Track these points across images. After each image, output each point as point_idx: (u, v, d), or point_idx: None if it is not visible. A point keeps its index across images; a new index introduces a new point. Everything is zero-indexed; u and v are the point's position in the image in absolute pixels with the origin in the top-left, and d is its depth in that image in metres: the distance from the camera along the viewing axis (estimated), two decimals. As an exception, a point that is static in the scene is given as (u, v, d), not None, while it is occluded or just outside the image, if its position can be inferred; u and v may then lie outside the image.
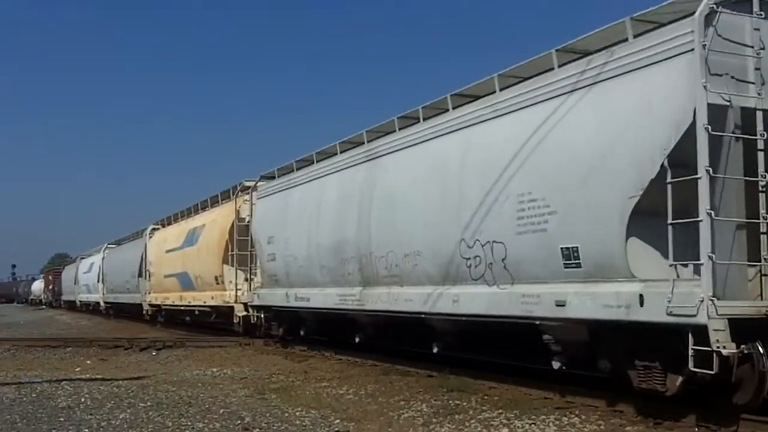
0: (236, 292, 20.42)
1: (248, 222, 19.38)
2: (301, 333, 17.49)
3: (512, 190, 9.41)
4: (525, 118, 9.46)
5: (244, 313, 19.98)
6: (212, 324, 24.39)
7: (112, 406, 10.06)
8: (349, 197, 13.82)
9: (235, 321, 20.64)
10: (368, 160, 13.44)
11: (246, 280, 19.74)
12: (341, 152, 14.78)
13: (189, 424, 8.70)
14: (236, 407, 9.80)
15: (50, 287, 72.03)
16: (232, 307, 20.81)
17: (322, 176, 15.37)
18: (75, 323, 37.92)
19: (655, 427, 7.98)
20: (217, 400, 10.46)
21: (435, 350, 12.01)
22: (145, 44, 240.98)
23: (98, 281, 43.10)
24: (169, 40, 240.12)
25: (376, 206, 12.82)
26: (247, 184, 20.10)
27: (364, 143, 13.85)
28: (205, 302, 23.40)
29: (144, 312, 31.89)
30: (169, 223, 30.11)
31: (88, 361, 16.39)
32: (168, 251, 27.59)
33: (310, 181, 15.87)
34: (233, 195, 21.59)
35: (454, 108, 11.28)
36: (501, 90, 10.24)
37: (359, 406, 9.83)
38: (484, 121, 10.34)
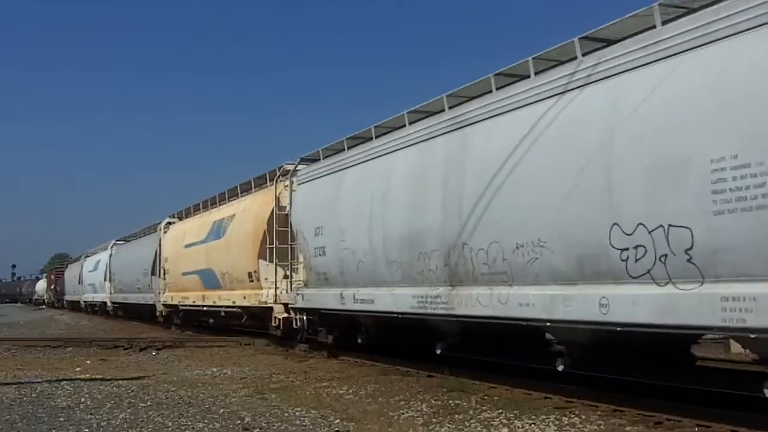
0: (276, 291, 17.57)
1: (289, 211, 17.07)
2: (359, 341, 14.70)
3: (701, 153, 7.13)
4: (719, 55, 7.13)
5: (285, 315, 17.15)
6: (241, 327, 22.28)
7: (112, 406, 10.14)
8: (427, 177, 11.39)
9: (273, 324, 17.92)
10: (454, 130, 11.00)
11: (285, 277, 17.20)
12: (411, 123, 12.33)
13: (189, 424, 8.76)
14: (236, 407, 9.85)
15: (52, 287, 70.12)
16: (269, 309, 18.05)
17: (385, 153, 12.86)
18: (75, 323, 38.05)
19: (655, 427, 7.99)
20: (217, 400, 10.52)
21: (560, 368, 9.54)
22: (146, 44, 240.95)
23: (105, 280, 40.78)
24: (169, 40, 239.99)
25: (471, 186, 10.31)
26: (289, 167, 17.51)
27: (444, 110, 11.52)
28: (234, 302, 20.56)
29: (157, 313, 29.37)
30: (188, 216, 27.22)
31: (88, 361, 16.51)
32: (188, 246, 24.75)
33: (369, 160, 13.38)
34: (272, 180, 18.82)
35: (587, 54, 8.82)
36: (665, 24, 7.87)
37: (359, 406, 9.90)
38: (651, 63, 7.81)
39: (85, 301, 48.54)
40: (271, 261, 17.81)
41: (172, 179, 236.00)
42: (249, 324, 20.97)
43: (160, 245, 28.74)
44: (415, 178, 11.77)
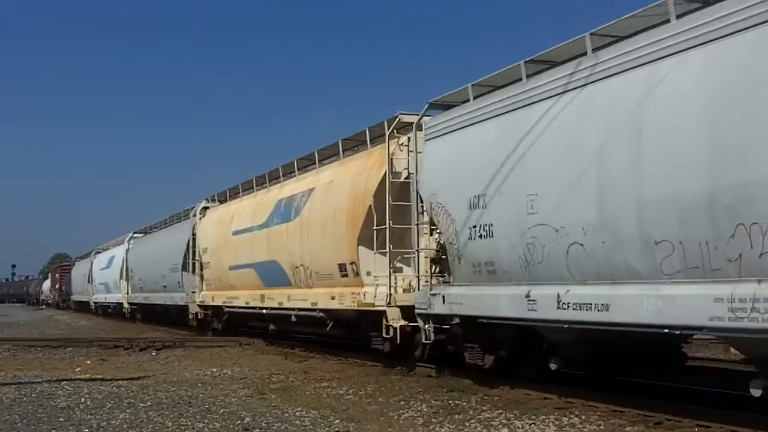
0: (390, 289, 12.60)
1: (407, 178, 12.78)
2: (552, 366, 9.96)
3: None
4: None
5: (402, 322, 12.24)
6: (326, 338, 17.22)
7: (111, 406, 10.15)
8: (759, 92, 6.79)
9: (385, 335, 12.67)
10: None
11: (394, 270, 12.81)
12: (679, 17, 7.79)
13: (189, 424, 8.76)
14: (236, 407, 9.85)
15: (57, 286, 65.73)
16: (377, 314, 12.93)
17: (633, 67, 8.14)
18: (75, 323, 37.99)
19: (655, 427, 8.01)
20: (217, 400, 10.52)
21: None
22: (146, 44, 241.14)
23: (121, 278, 36.02)
24: (168, 40, 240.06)
25: None
26: (408, 117, 12.88)
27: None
28: (315, 304, 15.50)
29: (190, 316, 24.51)
30: (234, 197, 22.27)
31: (88, 361, 16.51)
32: (238, 233, 19.90)
33: (591, 83, 8.68)
34: (375, 140, 14.26)
35: None
36: None
37: (359, 406, 9.89)
38: None
39: (95, 302, 44.15)
40: (381, 249, 12.87)
41: (173, 179, 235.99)
42: (336, 333, 15.98)
43: (193, 235, 24.16)
44: (724, 96, 7.08)
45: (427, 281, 11.75)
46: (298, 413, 9.34)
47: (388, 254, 12.64)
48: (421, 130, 12.25)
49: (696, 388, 9.42)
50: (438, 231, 11.51)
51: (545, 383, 10.29)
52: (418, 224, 12.13)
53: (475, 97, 10.91)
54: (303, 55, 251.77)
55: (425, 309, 11.50)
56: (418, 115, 12.44)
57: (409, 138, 12.70)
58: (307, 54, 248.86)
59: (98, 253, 45.10)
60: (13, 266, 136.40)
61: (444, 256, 11.40)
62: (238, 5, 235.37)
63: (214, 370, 14.50)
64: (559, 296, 8.79)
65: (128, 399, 10.77)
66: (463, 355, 11.16)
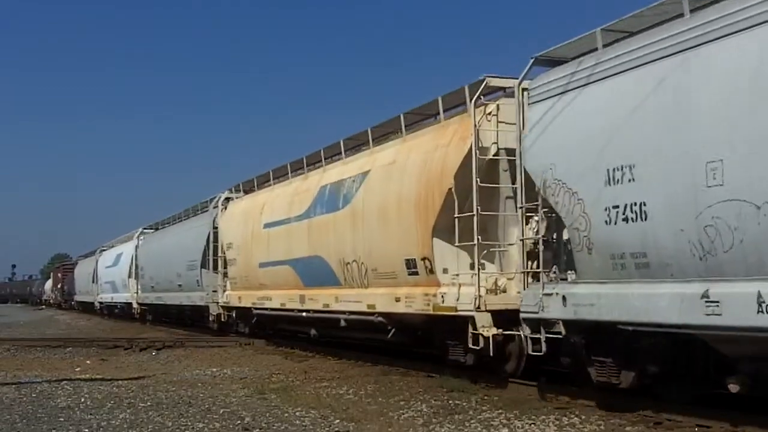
0: (479, 289, 10.29)
1: (495, 154, 10.67)
2: (730, 387, 7.74)
3: None
4: None
5: (495, 330, 10.04)
6: (385, 345, 14.56)
7: (112, 406, 10.15)
8: None
9: (472, 345, 10.33)
10: None
11: (471, 267, 10.62)
12: None
13: (189, 424, 8.76)
14: (236, 407, 9.85)
15: (59, 286, 63.15)
16: (461, 320, 10.65)
17: None
18: (75, 323, 37.92)
19: (655, 427, 8.00)
20: (217, 400, 10.53)
21: None
22: (146, 44, 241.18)
23: (129, 277, 34.02)
24: (169, 40, 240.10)
25: None
26: (497, 83, 10.91)
27: None
28: (373, 307, 13.08)
29: (210, 318, 22.56)
30: (264, 185, 19.89)
31: (88, 361, 16.52)
32: (271, 225, 17.64)
33: None
34: (470, 104, 10.90)
35: None
36: None
37: (359, 406, 9.89)
38: None
39: (101, 302, 42.01)
40: (464, 241, 10.66)
41: (173, 180, 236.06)
42: (398, 341, 13.49)
43: (214, 228, 22.19)
44: None
45: (534, 279, 9.49)
46: (298, 413, 9.34)
47: (475, 247, 10.37)
48: (523, 91, 9.88)
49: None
50: (550, 215, 9.34)
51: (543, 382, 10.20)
52: (523, 207, 9.56)
53: (605, 45, 8.61)
54: (302, 55, 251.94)
55: (535, 313, 9.07)
56: (508, 78, 10.60)
57: (498, 106, 10.65)
58: (305, 55, 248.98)
59: (104, 250, 43.03)
60: (13, 266, 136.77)
61: (544, 248, 9.43)
62: (239, 5, 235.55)
63: (214, 370, 14.50)
64: (761, 296, 6.61)
65: (128, 399, 10.77)
66: (586, 370, 8.96)
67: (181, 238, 26.39)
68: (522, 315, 9.35)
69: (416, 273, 11.81)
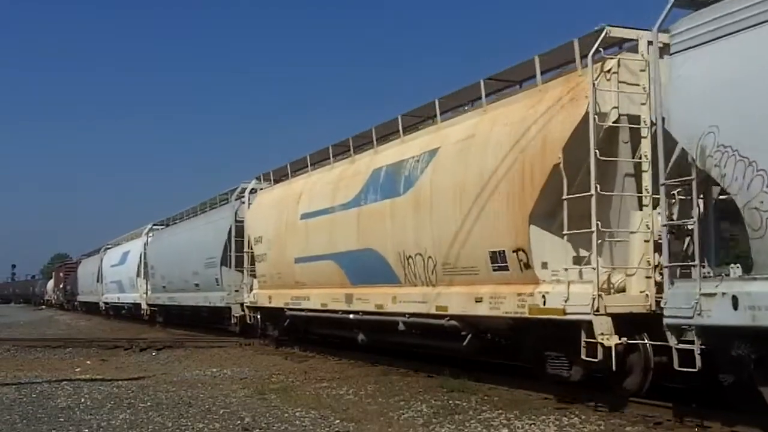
0: (597, 288, 8.43)
1: (617, 119, 8.88)
2: None
3: None
4: None
5: (617, 339, 8.22)
6: (455, 355, 12.18)
7: (112, 406, 10.15)
8: None
9: (585, 357, 8.49)
10: None
11: (583, 262, 8.97)
12: None
13: (189, 424, 8.77)
14: (236, 407, 9.85)
15: (61, 286, 60.99)
16: (569, 325, 8.85)
17: None
18: (75, 323, 37.88)
19: (655, 427, 7.99)
20: (217, 400, 10.52)
21: None
22: (146, 44, 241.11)
23: (138, 276, 32.49)
24: (169, 40, 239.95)
25: None
26: (619, 33, 8.99)
27: None
28: (444, 309, 11.18)
29: (233, 320, 20.88)
30: (299, 172, 17.82)
31: (88, 362, 16.51)
32: (308, 216, 15.72)
33: None
34: (587, 58, 8.93)
35: None
36: None
37: (359, 406, 9.89)
38: None
39: (106, 303, 40.36)
40: (574, 228, 8.79)
41: (173, 180, 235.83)
42: (475, 350, 11.35)
43: (237, 222, 20.53)
44: None
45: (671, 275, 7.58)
46: (298, 413, 9.34)
47: (594, 235, 8.46)
48: (641, 45, 8.64)
49: (696, 388, 9.41)
50: (708, 193, 7.58)
51: (542, 381, 10.14)
52: (666, 183, 7.68)
53: None
54: (302, 55, 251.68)
55: (689, 318, 7.15)
56: (633, 29, 8.93)
57: (620, 61, 8.82)
58: (305, 55, 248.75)
59: (109, 248, 41.39)
60: (13, 266, 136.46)
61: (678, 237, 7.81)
62: (238, 5, 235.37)
63: (214, 370, 14.50)
64: None
65: (128, 399, 10.76)
66: (757, 390, 7.16)
67: (197, 233, 24.47)
68: (667, 321, 7.47)
69: (505, 268, 9.84)
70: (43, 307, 70.27)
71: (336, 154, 15.98)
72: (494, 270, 10.07)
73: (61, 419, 9.25)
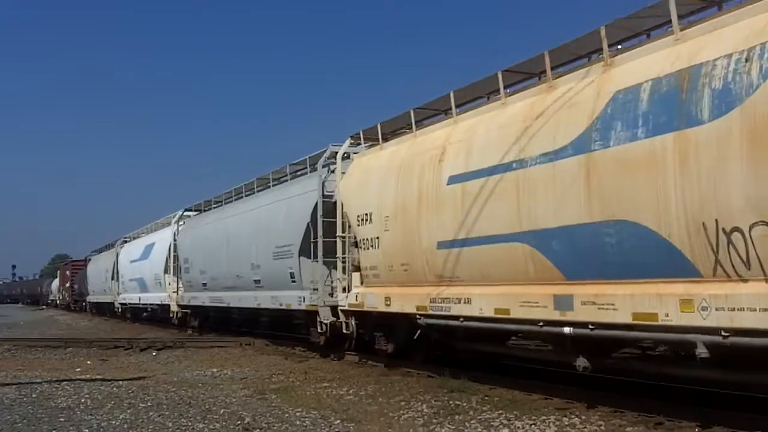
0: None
1: None
2: None
3: None
4: None
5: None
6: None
7: (112, 406, 10.17)
8: None
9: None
10: None
11: None
12: None
13: (189, 424, 8.80)
14: (236, 407, 9.88)
15: (68, 285, 56.62)
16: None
17: None
18: (75, 323, 37.84)
19: (655, 427, 8.00)
20: (217, 400, 10.55)
21: None
22: (146, 44, 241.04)
23: (166, 272, 27.46)
24: (169, 40, 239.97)
25: None
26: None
27: None
28: None
29: (320, 329, 15.45)
30: (422, 124, 13.01)
31: (89, 362, 16.51)
32: (465, 178, 10.74)
33: None
34: None
35: None
36: None
37: (359, 406, 9.92)
38: None
39: (123, 303, 35.20)
40: None
41: (173, 180, 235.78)
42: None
43: (325, 197, 15.48)
44: None
45: None
46: (298, 413, 9.37)
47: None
48: None
49: (696, 387, 9.41)
50: None
51: (544, 382, 10.21)
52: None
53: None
54: (302, 55, 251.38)
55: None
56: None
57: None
58: (305, 54, 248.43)
59: (126, 241, 36.25)
60: (14, 266, 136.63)
61: None
62: (239, 5, 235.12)
63: (215, 370, 14.52)
64: None
65: (128, 399, 10.81)
66: None
67: (259, 215, 18.95)
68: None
69: None
70: (44, 307, 69.62)
71: (509, 83, 10.81)
72: None
73: (62, 419, 9.29)
